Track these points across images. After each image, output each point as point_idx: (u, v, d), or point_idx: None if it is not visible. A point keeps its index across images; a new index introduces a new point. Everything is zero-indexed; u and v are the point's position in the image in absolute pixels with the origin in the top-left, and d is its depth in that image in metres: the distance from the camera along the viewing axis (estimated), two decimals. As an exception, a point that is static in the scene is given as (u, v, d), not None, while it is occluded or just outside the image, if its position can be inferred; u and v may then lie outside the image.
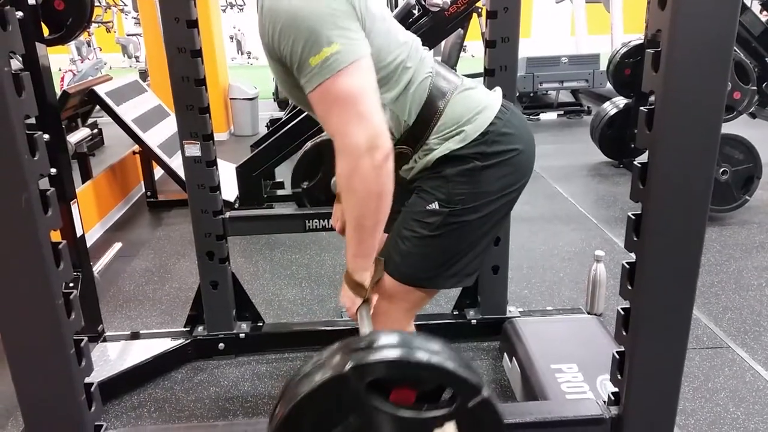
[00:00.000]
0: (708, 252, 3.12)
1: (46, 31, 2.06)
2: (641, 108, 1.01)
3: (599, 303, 2.39)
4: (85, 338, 1.07)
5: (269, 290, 2.87)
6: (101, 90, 3.64)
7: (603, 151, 4.72)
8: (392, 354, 0.89)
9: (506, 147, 1.27)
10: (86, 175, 3.86)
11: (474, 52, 11.33)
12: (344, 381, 0.87)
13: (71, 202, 2.13)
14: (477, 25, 4.39)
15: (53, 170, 2.07)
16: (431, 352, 0.90)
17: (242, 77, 6.77)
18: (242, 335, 2.28)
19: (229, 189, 3.74)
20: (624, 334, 1.10)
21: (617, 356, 1.13)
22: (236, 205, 3.70)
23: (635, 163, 1.02)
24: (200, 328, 2.29)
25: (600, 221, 3.59)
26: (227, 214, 2.18)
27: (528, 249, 3.23)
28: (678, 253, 1.02)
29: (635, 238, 1.04)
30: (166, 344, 2.25)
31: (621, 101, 4.59)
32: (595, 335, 2.11)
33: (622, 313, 1.10)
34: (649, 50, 0.98)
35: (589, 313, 2.36)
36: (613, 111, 4.56)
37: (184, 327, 2.32)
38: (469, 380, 0.90)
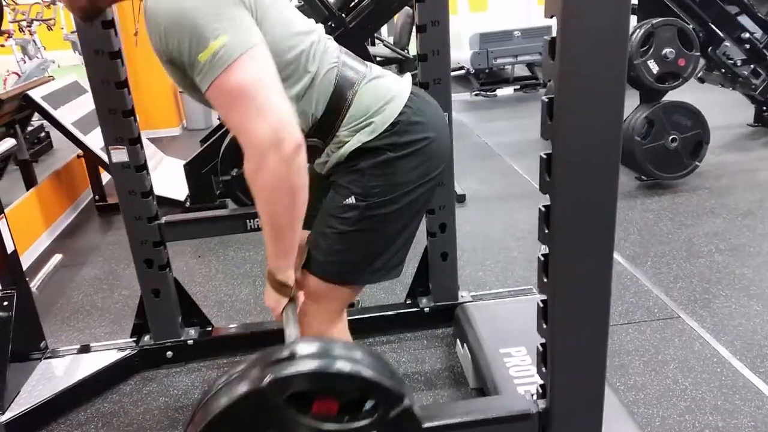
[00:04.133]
0: (660, 221, 3.14)
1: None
2: (542, 98, 0.97)
3: (549, 282, 2.38)
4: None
5: (222, 291, 2.81)
6: (36, 94, 3.50)
7: (558, 124, 4.71)
8: (310, 365, 0.86)
9: (418, 136, 1.24)
10: (30, 183, 3.74)
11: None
12: (261, 396, 0.83)
13: (-2, 218, 2.05)
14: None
15: (-26, 186, 1.98)
16: (352, 361, 0.87)
17: (194, 69, 6.59)
18: (190, 342, 2.22)
19: (179, 187, 3.65)
20: (544, 326, 1.08)
21: (541, 348, 1.11)
22: (187, 204, 3.61)
23: (541, 155, 0.99)
24: (147, 338, 2.23)
25: (555, 196, 3.58)
26: (163, 220, 2.11)
27: (483, 230, 3.21)
28: (589, 244, 1.00)
29: (546, 231, 1.01)
30: (113, 356, 2.20)
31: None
32: (543, 316, 2.10)
33: (541, 305, 1.08)
34: (545, 38, 0.94)
35: (540, 293, 2.36)
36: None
37: (131, 337, 2.26)
38: (390, 389, 0.88)
